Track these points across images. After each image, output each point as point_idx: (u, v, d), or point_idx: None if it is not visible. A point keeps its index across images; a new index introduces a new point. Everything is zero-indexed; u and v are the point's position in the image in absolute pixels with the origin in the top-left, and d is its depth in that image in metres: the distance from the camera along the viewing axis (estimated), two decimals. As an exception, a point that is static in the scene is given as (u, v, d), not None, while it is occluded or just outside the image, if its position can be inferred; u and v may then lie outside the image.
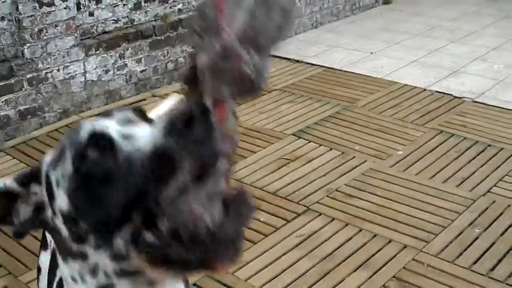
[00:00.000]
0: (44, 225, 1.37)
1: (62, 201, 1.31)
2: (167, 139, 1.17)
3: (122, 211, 1.21)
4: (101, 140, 1.25)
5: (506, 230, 4.26)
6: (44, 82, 5.82)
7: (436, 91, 6.46)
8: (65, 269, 1.37)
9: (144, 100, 6.46)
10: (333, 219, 4.39)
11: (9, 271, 4.01)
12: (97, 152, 1.24)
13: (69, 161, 1.29)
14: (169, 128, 1.17)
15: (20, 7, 5.53)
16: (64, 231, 1.32)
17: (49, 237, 2.31)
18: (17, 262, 4.08)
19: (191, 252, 1.18)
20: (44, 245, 2.41)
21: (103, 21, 6.34)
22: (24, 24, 5.58)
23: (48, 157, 1.37)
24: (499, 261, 3.96)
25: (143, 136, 1.22)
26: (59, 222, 1.33)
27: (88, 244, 1.28)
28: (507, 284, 3.76)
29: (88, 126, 1.28)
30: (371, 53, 7.62)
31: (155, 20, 6.74)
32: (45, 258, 2.35)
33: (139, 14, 6.61)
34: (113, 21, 6.42)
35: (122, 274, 1.29)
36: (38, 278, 2.48)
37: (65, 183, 1.30)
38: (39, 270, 2.45)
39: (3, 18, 5.58)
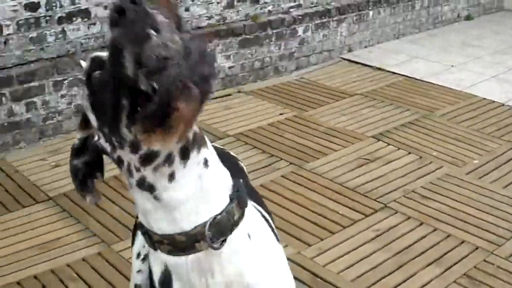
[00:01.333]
0: (98, 150, 1.69)
1: (92, 119, 1.64)
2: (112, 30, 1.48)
3: (113, 100, 1.50)
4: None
5: None
6: (140, 71, 6.13)
7: (514, 107, 6.61)
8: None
9: (229, 95, 6.75)
10: (409, 218, 4.59)
11: (103, 240, 4.30)
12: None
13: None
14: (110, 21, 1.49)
15: None
16: (105, 147, 1.64)
17: None
18: (110, 233, 4.38)
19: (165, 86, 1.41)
20: None
21: (197, 17, 6.64)
22: (125, 14, 5.91)
23: None
24: None
25: None
26: (102, 141, 1.65)
27: (117, 147, 1.60)
28: None
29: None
30: (452, 66, 7.78)
31: (246, 20, 7.02)
32: None
33: (231, 13, 6.90)
34: (206, 18, 6.72)
35: (145, 163, 1.59)
36: (135, 233, 2.73)
37: (86, 102, 1.63)
38: (137, 225, 2.72)
39: (106, 7, 5.90)
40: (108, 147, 1.63)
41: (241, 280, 1.77)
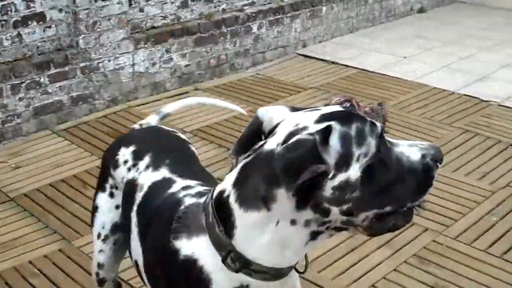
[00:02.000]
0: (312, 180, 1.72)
1: (354, 172, 1.72)
2: (432, 161, 1.84)
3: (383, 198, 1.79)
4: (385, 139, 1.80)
5: (521, 219, 4.59)
6: (95, 71, 6.24)
7: (464, 95, 6.79)
8: (304, 216, 1.79)
9: (186, 93, 6.86)
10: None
11: (63, 237, 4.40)
12: (386, 146, 1.79)
13: (373, 146, 1.74)
14: (435, 155, 1.84)
15: (77, 0, 5.95)
16: (327, 191, 1.72)
17: (110, 181, 2.77)
18: (70, 229, 4.48)
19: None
20: (102, 187, 2.83)
21: (152, 17, 6.75)
22: (80, 16, 6.01)
23: (339, 139, 1.72)
24: (513, 245, 4.30)
25: (411, 149, 1.85)
26: (329, 185, 1.71)
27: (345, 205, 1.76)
28: (519, 265, 4.09)
29: (378, 127, 1.78)
30: (404, 57, 7.96)
31: (200, 18, 7.14)
32: (103, 199, 2.81)
33: (185, 12, 7.02)
34: (161, 17, 6.83)
35: (340, 230, 1.85)
36: (94, 216, 2.86)
37: (364, 160, 1.73)
38: (96, 208, 2.84)
39: (60, 10, 6.00)
40: (331, 195, 1.73)
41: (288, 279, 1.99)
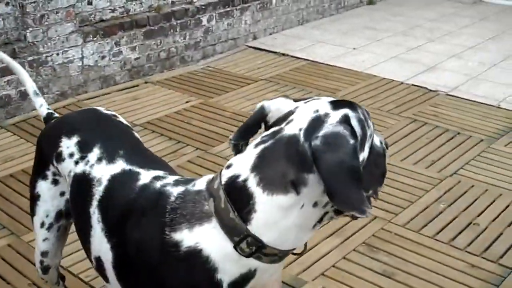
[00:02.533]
0: None
1: (366, 150, 1.90)
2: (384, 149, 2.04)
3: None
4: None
5: (468, 206, 4.64)
6: (44, 65, 6.18)
7: (413, 85, 6.87)
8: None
9: (137, 86, 6.84)
10: (310, 193, 4.76)
11: (12, 232, 4.35)
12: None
13: (372, 126, 1.94)
14: (386, 142, 2.08)
15: (24, -7, 5.91)
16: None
17: (52, 169, 2.69)
18: (19, 224, 4.42)
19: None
20: (41, 175, 2.74)
21: (101, 10, 6.71)
22: (27, 10, 5.95)
23: (358, 123, 1.87)
24: (460, 232, 4.34)
25: (376, 140, 2.00)
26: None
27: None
28: (466, 251, 4.14)
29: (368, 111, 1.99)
30: (354, 48, 8.03)
31: (149, 11, 7.11)
32: (45, 187, 2.74)
33: (134, 5, 6.98)
34: (110, 10, 6.79)
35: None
36: (35, 204, 2.78)
37: (370, 140, 1.92)
38: (37, 197, 2.76)
39: (7, 4, 5.94)
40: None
41: None
